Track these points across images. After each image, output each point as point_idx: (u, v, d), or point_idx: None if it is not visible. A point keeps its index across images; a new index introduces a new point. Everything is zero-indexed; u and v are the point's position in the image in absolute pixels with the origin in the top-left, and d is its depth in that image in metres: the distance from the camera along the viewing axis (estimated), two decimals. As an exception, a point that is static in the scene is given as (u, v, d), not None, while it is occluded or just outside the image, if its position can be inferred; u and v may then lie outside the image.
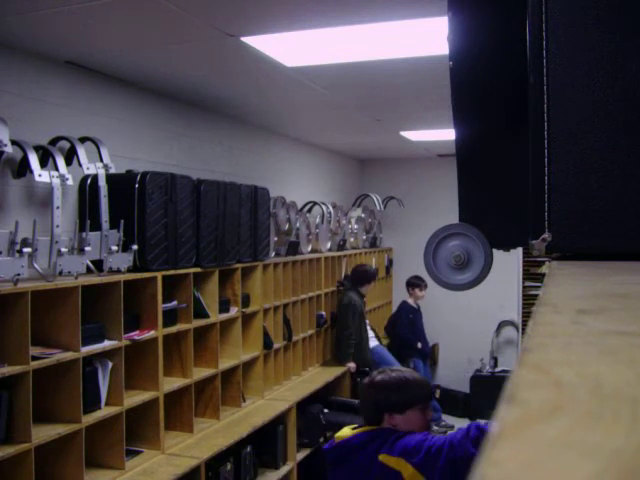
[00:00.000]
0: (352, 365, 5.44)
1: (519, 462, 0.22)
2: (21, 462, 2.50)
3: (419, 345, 6.58)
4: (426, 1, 2.41)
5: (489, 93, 1.35)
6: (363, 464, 2.03)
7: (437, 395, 6.72)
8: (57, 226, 2.71)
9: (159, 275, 3.26)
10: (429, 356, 6.86)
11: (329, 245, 5.77)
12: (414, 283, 6.75)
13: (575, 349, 0.36)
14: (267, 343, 4.43)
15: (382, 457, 1.97)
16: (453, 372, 6.86)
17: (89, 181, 3.16)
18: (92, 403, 2.90)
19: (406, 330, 6.65)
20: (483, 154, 1.39)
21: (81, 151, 3.01)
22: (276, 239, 4.76)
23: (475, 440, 1.83)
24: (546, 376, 0.30)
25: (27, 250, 2.53)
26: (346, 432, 2.17)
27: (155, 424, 3.32)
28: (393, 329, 6.85)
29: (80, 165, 2.99)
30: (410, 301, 6.82)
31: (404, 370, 2.29)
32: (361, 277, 5.80)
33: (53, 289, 2.66)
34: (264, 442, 4.13)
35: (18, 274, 2.48)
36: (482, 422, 1.89)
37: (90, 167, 3.02)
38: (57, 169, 2.81)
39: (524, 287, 5.97)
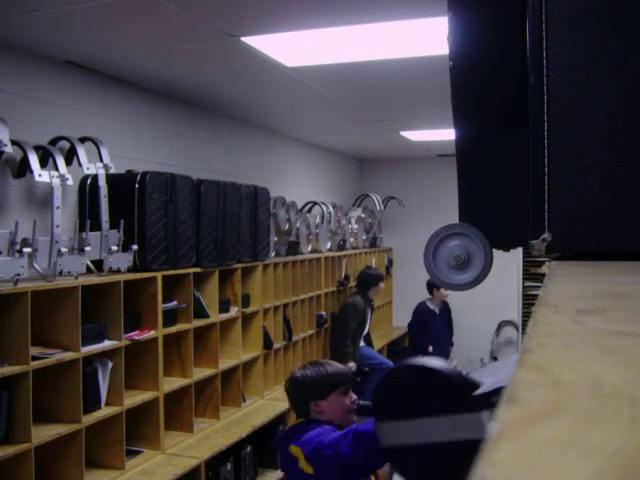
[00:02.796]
0: (352, 365, 5.41)
1: (519, 462, 0.22)
2: (21, 462, 2.50)
3: (430, 349, 6.30)
4: (426, 1, 2.41)
5: (489, 93, 1.35)
6: (284, 453, 2.22)
7: None
8: (57, 226, 2.71)
9: (159, 275, 3.26)
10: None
11: (329, 245, 5.77)
12: (434, 285, 6.37)
13: (575, 349, 0.36)
14: (267, 343, 4.43)
15: (291, 447, 2.17)
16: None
17: (89, 181, 3.16)
18: (92, 403, 2.91)
19: (416, 332, 6.49)
20: (483, 154, 1.39)
21: (81, 151, 3.01)
22: (276, 239, 4.76)
23: (350, 445, 1.94)
24: (546, 376, 0.30)
25: (27, 250, 2.53)
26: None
27: (155, 424, 3.32)
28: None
29: (80, 165, 2.99)
30: (429, 302, 6.56)
31: (324, 362, 2.45)
32: (365, 280, 5.79)
33: (53, 289, 2.66)
34: (264, 442, 4.13)
35: (18, 274, 2.48)
36: (363, 425, 1.95)
37: (90, 167, 3.02)
38: (57, 169, 2.81)
39: (524, 287, 5.97)
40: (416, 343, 6.49)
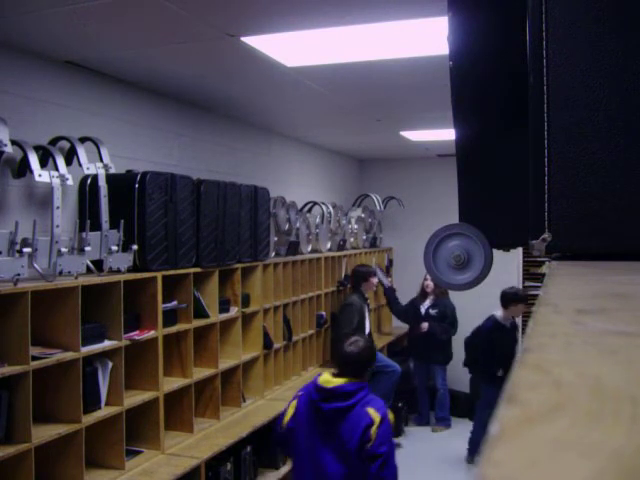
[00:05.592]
0: None
1: (519, 462, 0.22)
2: (21, 462, 2.50)
3: (499, 373, 5.16)
4: (426, 1, 2.41)
5: (489, 93, 1.35)
6: (355, 405, 2.87)
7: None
8: (57, 226, 2.71)
9: (159, 275, 3.26)
10: None
11: (329, 245, 5.77)
12: (513, 298, 5.29)
13: (575, 349, 0.36)
14: (267, 343, 4.43)
15: (369, 409, 2.85)
16: (453, 372, 6.85)
17: (89, 181, 3.16)
18: (92, 403, 2.90)
19: (484, 353, 5.39)
20: (483, 154, 1.39)
21: (81, 151, 3.01)
22: (276, 239, 4.76)
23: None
24: (546, 376, 0.30)
25: (27, 250, 2.53)
26: (329, 378, 2.96)
27: (155, 424, 3.32)
28: (473, 349, 5.68)
29: (80, 165, 2.99)
30: (500, 317, 5.42)
31: (358, 336, 3.23)
32: (356, 277, 5.78)
33: (53, 289, 2.66)
34: (264, 442, 4.13)
35: (18, 274, 2.48)
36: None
37: (90, 167, 3.02)
38: (57, 169, 2.81)
39: (524, 287, 5.95)
40: (481, 364, 5.47)
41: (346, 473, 2.85)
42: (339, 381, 2.94)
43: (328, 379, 2.97)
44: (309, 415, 2.97)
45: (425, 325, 6.29)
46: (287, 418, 3.03)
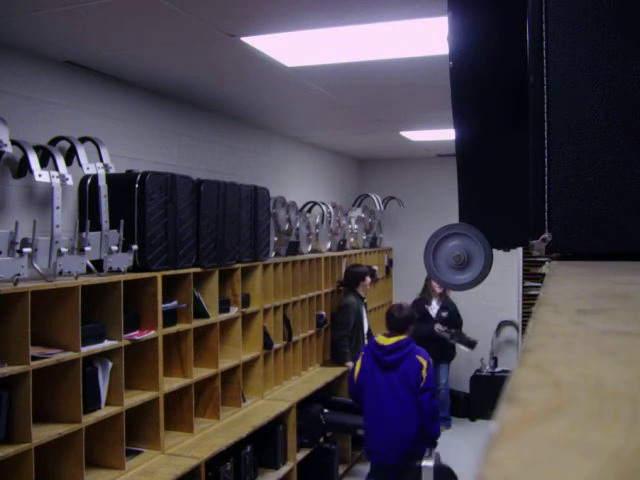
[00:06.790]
0: (350, 364, 5.40)
1: (519, 462, 0.22)
2: (21, 462, 2.50)
3: None
4: (426, 1, 2.41)
5: (489, 93, 1.35)
6: (408, 354, 3.99)
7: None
8: (57, 226, 2.71)
9: (159, 275, 3.26)
10: None
11: (329, 245, 5.77)
12: None
13: (575, 349, 0.36)
14: (267, 343, 4.43)
15: (418, 356, 3.98)
16: (453, 372, 6.84)
17: (89, 181, 3.16)
18: (92, 403, 2.90)
19: None
20: (483, 154, 1.39)
21: (81, 151, 3.01)
22: (276, 239, 4.76)
23: (427, 412, 3.94)
24: (546, 376, 0.30)
25: (27, 250, 2.53)
26: (384, 338, 4.08)
27: (155, 424, 3.32)
28: None
29: (80, 165, 2.99)
30: None
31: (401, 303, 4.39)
32: (351, 278, 5.77)
33: (53, 289, 2.66)
34: (264, 442, 4.13)
35: (18, 274, 2.48)
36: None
37: (90, 167, 3.02)
38: (57, 169, 2.81)
39: (524, 287, 5.95)
40: None
41: (405, 403, 3.89)
42: (393, 339, 4.04)
43: (384, 339, 4.07)
44: (373, 367, 4.03)
45: (439, 326, 6.23)
46: (357, 373, 4.08)
